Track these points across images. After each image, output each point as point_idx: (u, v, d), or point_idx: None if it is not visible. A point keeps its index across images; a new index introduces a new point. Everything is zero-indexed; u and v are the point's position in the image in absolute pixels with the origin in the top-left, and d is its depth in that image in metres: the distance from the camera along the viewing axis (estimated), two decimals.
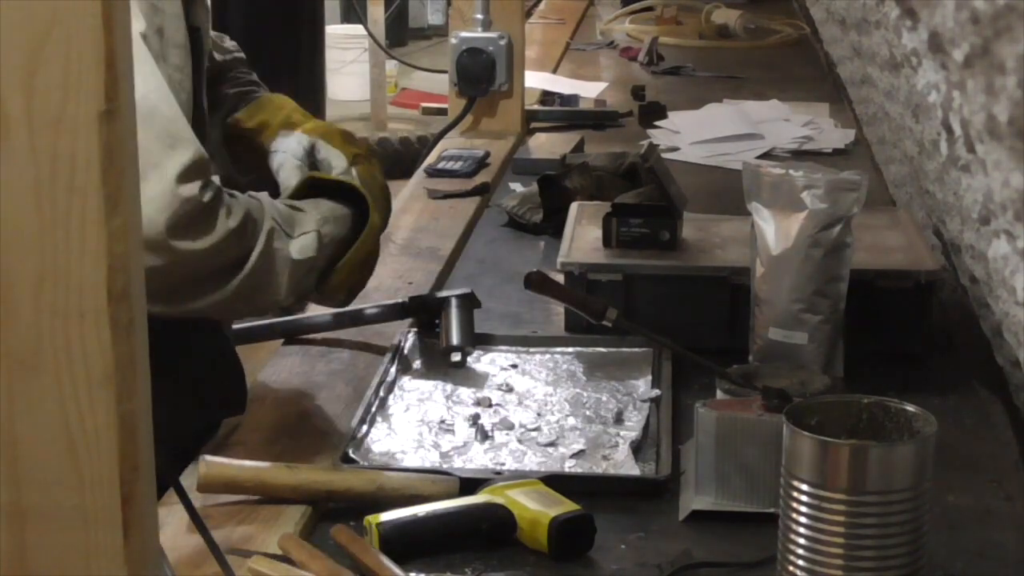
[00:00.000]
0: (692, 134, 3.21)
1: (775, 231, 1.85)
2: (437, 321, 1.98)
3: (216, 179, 1.61)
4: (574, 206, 2.29)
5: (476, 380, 1.89)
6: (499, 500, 1.51)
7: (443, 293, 2.03)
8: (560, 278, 2.03)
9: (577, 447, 1.70)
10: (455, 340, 1.93)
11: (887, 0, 1.53)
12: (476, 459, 1.68)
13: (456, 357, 1.91)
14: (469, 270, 2.41)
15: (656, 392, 1.83)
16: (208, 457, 1.57)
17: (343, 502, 1.58)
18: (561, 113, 3.51)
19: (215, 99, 1.93)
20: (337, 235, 1.76)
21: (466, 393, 1.84)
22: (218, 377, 1.76)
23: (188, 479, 1.58)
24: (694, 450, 1.60)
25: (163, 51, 1.60)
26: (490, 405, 1.81)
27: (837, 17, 2.87)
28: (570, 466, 1.67)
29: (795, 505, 1.34)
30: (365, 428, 1.73)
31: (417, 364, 1.93)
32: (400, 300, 2.05)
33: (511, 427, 1.75)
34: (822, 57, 4.07)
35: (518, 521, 1.49)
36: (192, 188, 1.56)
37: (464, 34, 3.23)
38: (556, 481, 1.56)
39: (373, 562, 1.43)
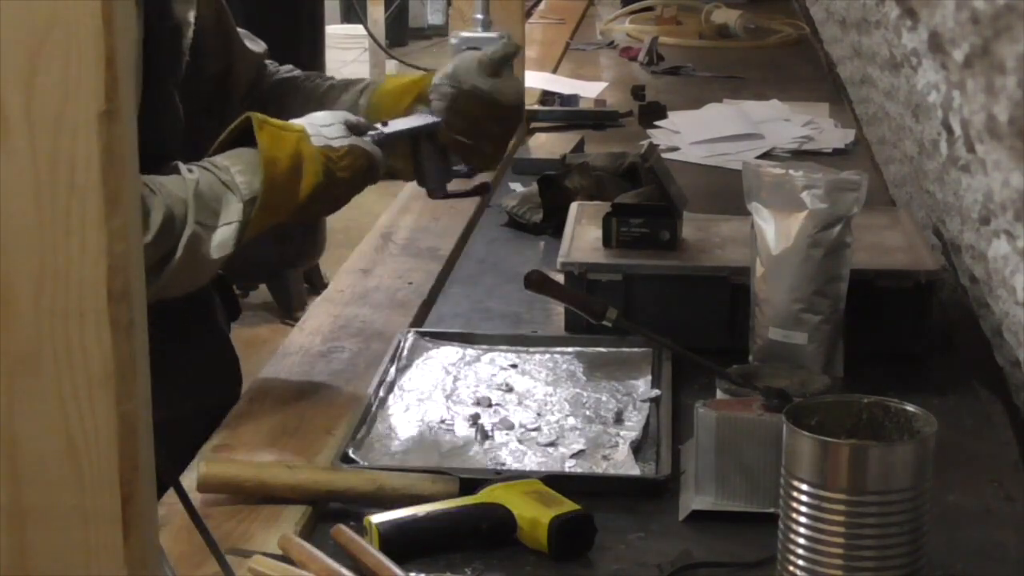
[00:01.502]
0: (692, 134, 3.21)
1: (775, 231, 1.85)
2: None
3: None
4: (574, 206, 2.29)
5: (476, 380, 1.89)
6: (499, 500, 1.51)
7: (401, 125, 1.95)
8: (560, 278, 2.03)
9: (577, 447, 1.70)
10: (429, 182, 1.99)
11: (887, 0, 1.53)
12: (476, 459, 1.68)
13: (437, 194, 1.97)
14: (469, 270, 2.42)
15: (656, 392, 1.83)
16: (208, 457, 1.57)
17: (343, 502, 1.58)
18: (561, 113, 3.51)
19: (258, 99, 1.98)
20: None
21: (466, 393, 1.84)
22: (213, 368, 1.76)
23: (188, 479, 1.58)
24: (694, 450, 1.60)
25: None
26: (490, 405, 1.81)
27: (837, 17, 2.87)
28: (570, 466, 1.66)
29: (795, 505, 1.34)
30: (365, 428, 1.73)
31: (417, 363, 1.93)
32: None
33: (511, 427, 1.75)
34: (822, 57, 4.07)
35: (518, 521, 1.49)
36: None
37: (464, 34, 3.22)
38: (556, 481, 1.56)
39: (373, 562, 1.43)
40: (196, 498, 1.50)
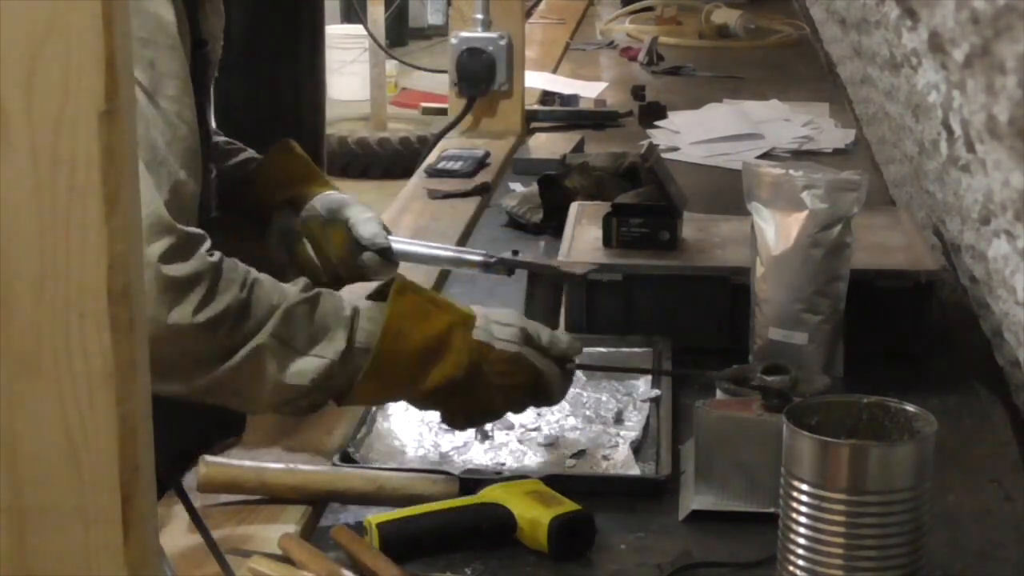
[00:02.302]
0: (692, 134, 3.21)
1: (775, 231, 1.85)
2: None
3: (203, 256, 1.48)
4: (574, 206, 2.29)
5: None
6: (499, 500, 1.51)
7: (527, 259, 1.85)
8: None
9: (577, 447, 1.70)
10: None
11: (887, 0, 1.53)
12: (476, 459, 1.68)
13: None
14: (469, 270, 2.41)
15: (656, 392, 1.83)
16: (208, 457, 1.57)
17: (343, 502, 1.58)
18: (561, 113, 3.51)
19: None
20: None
21: None
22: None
23: (188, 479, 1.58)
24: (694, 450, 1.60)
25: (155, 85, 1.52)
26: None
27: (837, 17, 2.87)
28: (570, 466, 1.66)
29: (795, 505, 1.34)
30: (365, 428, 1.73)
31: None
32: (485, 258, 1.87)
33: (511, 427, 1.75)
34: (822, 57, 4.07)
35: (518, 521, 1.49)
36: (178, 268, 1.46)
37: (464, 34, 3.23)
38: (556, 481, 1.56)
39: (373, 562, 1.43)
40: (196, 498, 1.50)
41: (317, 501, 1.57)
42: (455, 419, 1.63)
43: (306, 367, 1.52)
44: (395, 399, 1.63)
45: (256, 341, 1.50)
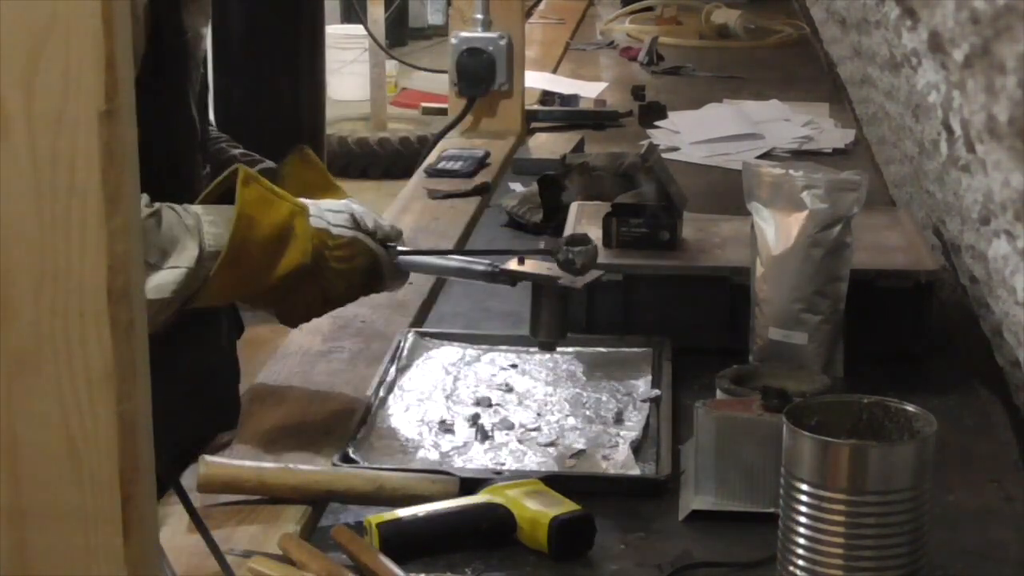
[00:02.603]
0: (692, 134, 3.21)
1: (775, 231, 1.85)
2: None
3: None
4: (574, 206, 2.29)
5: (476, 380, 1.89)
6: (499, 500, 1.51)
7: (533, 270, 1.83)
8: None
9: (577, 447, 1.70)
10: (542, 335, 1.81)
11: (887, 0, 1.53)
12: (476, 459, 1.68)
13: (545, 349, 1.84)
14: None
15: (656, 392, 1.83)
16: (208, 457, 1.57)
17: (343, 502, 1.58)
18: (561, 113, 3.51)
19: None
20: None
21: (466, 393, 1.84)
22: (212, 391, 1.74)
23: (188, 479, 1.58)
24: (694, 450, 1.60)
25: None
26: (490, 405, 1.81)
27: (837, 17, 2.87)
28: (570, 466, 1.66)
29: (795, 505, 1.34)
30: (365, 428, 1.73)
31: (417, 363, 1.93)
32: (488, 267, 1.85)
33: (511, 427, 1.75)
34: (822, 57, 4.07)
35: (518, 521, 1.49)
36: None
37: (464, 34, 3.23)
38: (556, 481, 1.56)
39: (373, 562, 1.43)
40: (196, 498, 1.50)
41: (317, 501, 1.57)
42: (295, 312, 1.69)
43: (165, 280, 1.55)
44: (245, 293, 1.66)
45: None
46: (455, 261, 1.85)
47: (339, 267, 1.67)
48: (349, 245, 1.66)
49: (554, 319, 1.78)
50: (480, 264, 1.82)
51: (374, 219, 1.72)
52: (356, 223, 1.69)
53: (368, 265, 1.69)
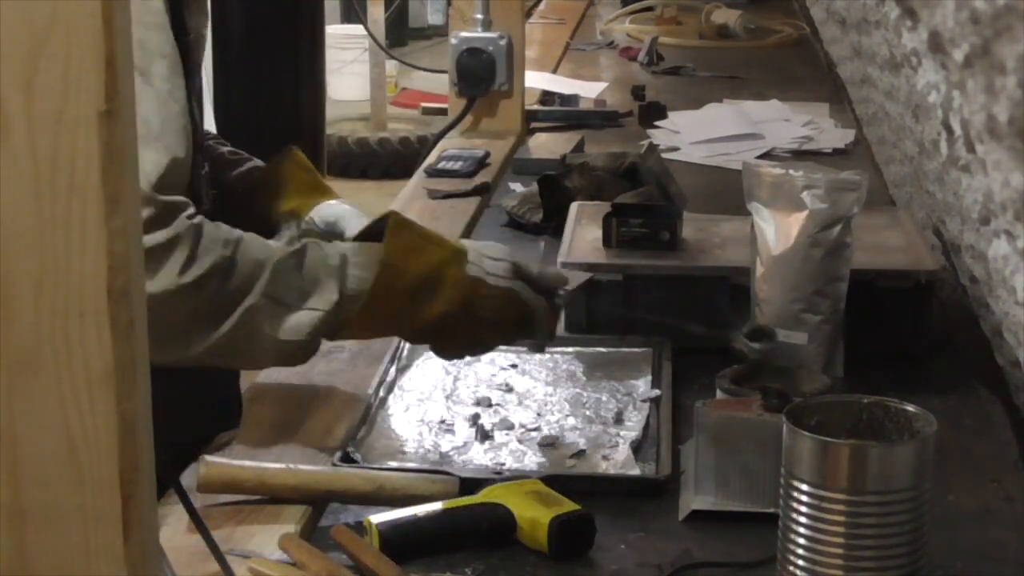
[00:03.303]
0: (692, 134, 3.21)
1: (775, 231, 1.85)
2: None
3: (183, 221, 1.49)
4: (574, 206, 2.29)
5: (476, 380, 1.89)
6: (499, 500, 1.51)
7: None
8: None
9: (577, 447, 1.70)
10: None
11: (887, 0, 1.53)
12: (476, 459, 1.68)
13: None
14: None
15: (656, 392, 1.83)
16: (208, 457, 1.57)
17: (343, 502, 1.58)
18: (561, 113, 3.51)
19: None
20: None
21: (466, 393, 1.84)
22: (214, 391, 1.74)
23: (188, 479, 1.58)
24: (694, 450, 1.60)
25: (146, 64, 1.56)
26: (490, 405, 1.81)
27: (837, 17, 2.87)
28: (570, 466, 1.66)
29: (795, 505, 1.34)
30: (365, 428, 1.73)
31: (417, 363, 1.93)
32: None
33: (511, 427, 1.75)
34: (822, 57, 4.07)
35: (518, 521, 1.49)
36: (156, 236, 1.47)
37: (464, 34, 3.23)
38: (556, 481, 1.56)
39: (373, 562, 1.43)
40: (196, 498, 1.50)
41: (317, 501, 1.57)
42: (447, 351, 1.68)
43: (301, 322, 1.54)
44: (388, 334, 1.67)
45: (248, 302, 1.51)
46: None
47: (490, 316, 1.63)
48: (504, 296, 1.62)
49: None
50: None
51: (539, 267, 1.67)
52: (516, 272, 1.64)
53: (522, 316, 1.65)
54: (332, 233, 1.84)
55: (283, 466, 1.58)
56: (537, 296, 1.65)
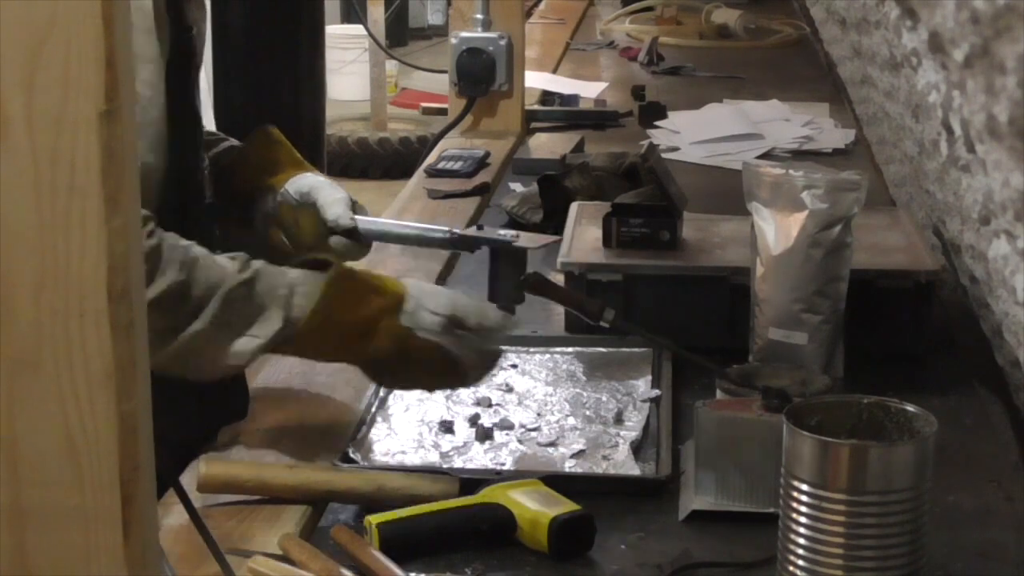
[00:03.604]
0: (692, 134, 3.21)
1: (775, 231, 1.85)
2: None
3: (143, 241, 1.49)
4: (574, 206, 2.29)
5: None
6: (499, 500, 1.51)
7: (484, 234, 1.84)
8: (560, 278, 2.03)
9: (577, 447, 1.70)
10: (500, 300, 1.81)
11: (887, 0, 1.53)
12: (476, 459, 1.68)
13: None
14: (469, 270, 2.41)
15: (656, 392, 1.83)
16: (208, 457, 1.57)
17: (343, 502, 1.58)
18: (561, 113, 3.51)
19: None
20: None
21: (466, 393, 1.84)
22: (220, 384, 1.74)
23: (188, 479, 1.58)
24: (694, 450, 1.60)
25: None
26: (490, 405, 1.81)
27: (837, 17, 2.87)
28: (570, 466, 1.66)
29: (795, 505, 1.34)
30: (365, 428, 1.73)
31: None
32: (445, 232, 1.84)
33: (511, 427, 1.75)
34: (822, 57, 4.07)
35: (518, 521, 1.49)
36: None
37: (464, 34, 3.23)
38: (556, 481, 1.56)
39: (373, 562, 1.43)
40: (196, 498, 1.50)
41: (317, 501, 1.57)
42: (388, 385, 1.76)
43: (244, 347, 1.58)
44: (329, 361, 1.71)
45: (195, 328, 1.55)
46: (414, 229, 1.86)
47: (420, 368, 1.65)
48: (432, 350, 1.64)
49: (513, 282, 1.80)
50: (438, 231, 1.82)
51: (478, 319, 1.67)
52: (449, 327, 1.65)
53: (448, 370, 1.66)
54: (305, 204, 1.83)
55: (284, 466, 1.58)
56: (467, 350, 1.66)
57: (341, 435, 1.72)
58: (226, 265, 1.58)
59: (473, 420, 1.76)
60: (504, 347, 1.84)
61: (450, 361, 1.65)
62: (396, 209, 2.72)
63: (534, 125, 3.39)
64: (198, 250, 1.57)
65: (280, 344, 1.61)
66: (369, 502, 1.55)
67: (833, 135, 3.21)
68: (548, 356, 1.96)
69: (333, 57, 6.40)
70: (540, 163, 2.94)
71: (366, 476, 1.58)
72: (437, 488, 1.55)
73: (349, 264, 1.69)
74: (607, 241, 2.09)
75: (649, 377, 1.88)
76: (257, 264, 1.60)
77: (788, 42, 4.50)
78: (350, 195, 1.80)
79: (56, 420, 0.84)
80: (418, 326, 1.63)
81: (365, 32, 6.59)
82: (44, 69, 0.81)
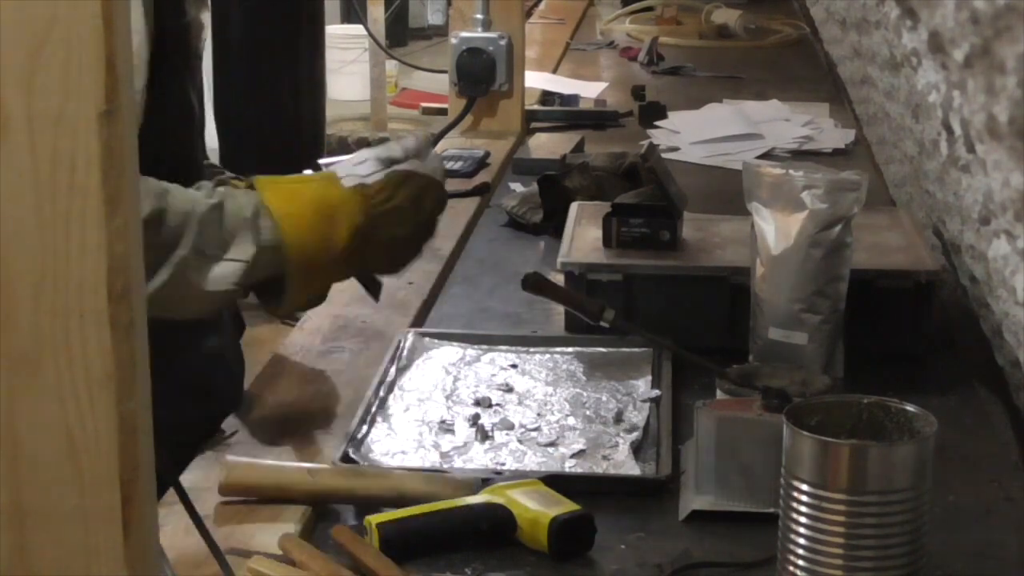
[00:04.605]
0: (692, 134, 3.21)
1: (775, 231, 1.85)
2: None
3: None
4: (574, 206, 2.29)
5: (476, 380, 1.89)
6: (499, 500, 1.51)
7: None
8: (560, 278, 2.03)
9: (577, 447, 1.70)
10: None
11: (887, 0, 1.53)
12: (476, 459, 1.68)
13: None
14: (469, 270, 2.42)
15: (656, 392, 1.83)
16: (231, 458, 1.57)
17: (361, 506, 1.56)
18: (561, 113, 3.51)
19: None
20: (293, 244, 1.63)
21: (466, 393, 1.84)
22: (215, 374, 1.75)
23: (188, 479, 1.58)
24: (694, 450, 1.60)
25: None
26: (490, 405, 1.81)
27: (837, 17, 2.87)
28: (570, 466, 1.66)
29: (795, 505, 1.34)
30: (365, 428, 1.73)
31: (417, 363, 1.93)
32: None
33: (511, 427, 1.75)
34: (822, 57, 4.07)
35: (518, 521, 1.49)
36: None
37: (464, 34, 3.23)
38: (556, 481, 1.56)
39: (373, 562, 1.43)
40: (196, 498, 1.50)
41: (334, 503, 1.56)
42: (391, 266, 1.74)
43: (224, 272, 1.59)
44: (324, 282, 1.69)
45: (179, 254, 1.55)
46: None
47: (393, 206, 1.68)
48: (388, 185, 1.67)
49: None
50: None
51: (399, 147, 1.72)
52: (384, 162, 1.69)
53: (416, 191, 1.70)
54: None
55: (304, 471, 1.57)
56: (418, 163, 1.70)
57: (341, 435, 1.72)
58: (194, 193, 1.59)
59: (473, 420, 1.76)
60: (502, 348, 1.86)
61: (413, 184, 1.67)
62: None
63: (534, 125, 3.39)
64: (167, 183, 1.58)
65: (258, 271, 1.60)
66: (390, 505, 1.54)
67: (833, 135, 3.21)
68: (548, 356, 1.96)
69: (333, 57, 6.40)
70: (540, 163, 2.94)
71: (385, 482, 1.57)
72: (456, 491, 1.55)
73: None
74: (607, 241, 2.09)
75: (649, 377, 1.88)
76: (221, 189, 1.62)
77: (788, 42, 4.50)
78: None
79: (56, 420, 0.84)
80: (361, 177, 1.66)
81: (365, 32, 6.59)
82: (44, 69, 0.81)
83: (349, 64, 7.91)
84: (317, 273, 1.67)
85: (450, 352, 1.96)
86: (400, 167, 1.70)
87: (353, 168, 1.69)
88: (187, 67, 1.71)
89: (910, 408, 1.39)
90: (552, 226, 2.49)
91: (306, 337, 2.04)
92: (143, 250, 1.49)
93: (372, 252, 1.69)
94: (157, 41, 1.62)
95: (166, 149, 1.61)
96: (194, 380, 1.75)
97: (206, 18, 1.80)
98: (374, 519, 1.48)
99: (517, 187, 2.81)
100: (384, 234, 1.69)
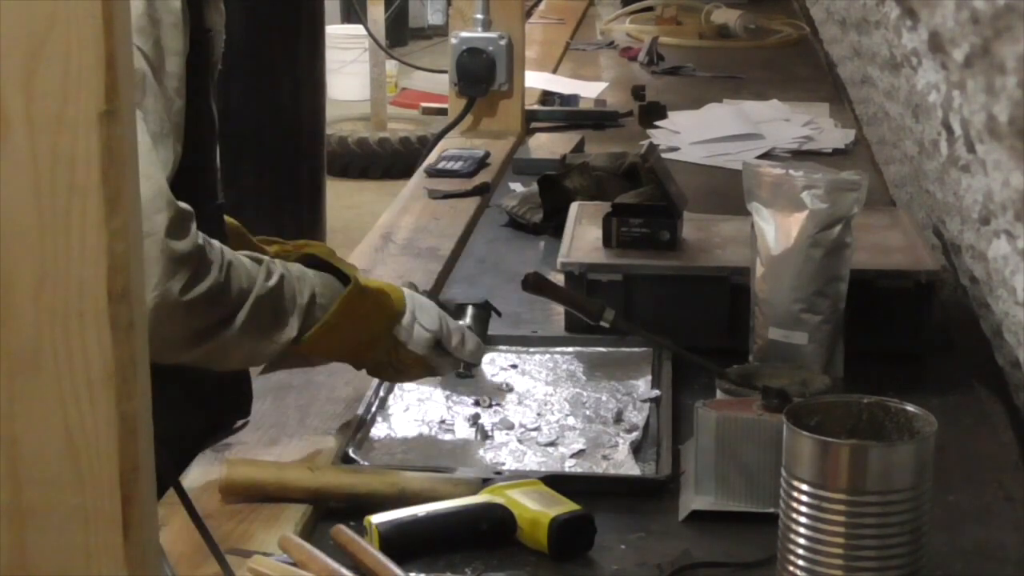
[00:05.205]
0: (692, 134, 3.21)
1: (775, 231, 1.85)
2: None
3: (195, 236, 1.53)
4: (574, 206, 2.29)
5: (476, 380, 1.89)
6: (499, 500, 1.51)
7: (460, 300, 1.93)
8: (560, 278, 2.03)
9: (577, 447, 1.70)
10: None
11: (887, 0, 1.53)
12: (476, 459, 1.68)
13: (462, 369, 1.86)
14: (469, 270, 2.42)
15: (656, 392, 1.83)
16: (230, 460, 1.57)
17: (364, 506, 1.56)
18: (561, 113, 3.51)
19: None
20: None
21: (466, 393, 1.84)
22: (223, 381, 1.74)
23: (188, 479, 1.58)
24: (694, 450, 1.60)
25: (159, 61, 1.58)
26: (490, 405, 1.81)
27: (837, 17, 2.87)
28: (570, 466, 1.66)
29: (795, 505, 1.34)
30: (365, 428, 1.73)
31: None
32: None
33: (511, 427, 1.75)
34: (822, 57, 4.08)
35: (518, 521, 1.49)
36: (180, 244, 1.50)
37: (464, 34, 3.23)
38: (556, 481, 1.56)
39: (373, 562, 1.43)
40: (196, 498, 1.50)
41: (332, 500, 1.56)
42: (369, 374, 1.79)
43: (263, 350, 1.62)
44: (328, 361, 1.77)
45: (226, 333, 1.57)
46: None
47: (404, 369, 1.75)
48: (415, 363, 1.73)
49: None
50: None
51: (460, 341, 1.76)
52: (435, 343, 1.74)
53: (426, 374, 1.78)
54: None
55: (305, 469, 1.57)
56: (445, 361, 1.76)
57: (341, 435, 1.72)
58: (252, 268, 1.60)
59: (473, 420, 1.76)
60: (501, 348, 1.86)
61: (429, 369, 1.76)
62: (396, 209, 2.72)
63: (534, 125, 3.39)
64: (229, 251, 1.59)
65: (290, 347, 1.64)
66: (392, 505, 1.54)
67: (833, 135, 3.21)
68: (548, 356, 1.96)
69: (333, 57, 6.41)
70: (540, 163, 2.94)
71: (387, 479, 1.57)
72: (458, 490, 1.55)
73: (355, 272, 1.72)
74: (607, 241, 2.09)
75: (649, 377, 1.88)
76: (279, 269, 1.62)
77: (788, 42, 4.50)
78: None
79: (56, 420, 0.84)
80: (410, 340, 1.72)
81: (365, 32, 6.59)
82: (44, 69, 0.81)
83: (349, 64, 7.91)
84: (322, 359, 1.74)
85: None
86: (432, 359, 1.74)
87: (417, 323, 1.73)
88: (208, 78, 1.72)
89: (910, 408, 1.39)
90: (552, 226, 2.49)
91: None
92: (191, 318, 1.52)
93: (362, 368, 1.76)
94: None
95: (186, 159, 1.61)
96: (199, 382, 1.74)
97: (222, 25, 1.80)
98: (374, 519, 1.48)
99: (517, 187, 2.81)
100: (381, 373, 1.76)
